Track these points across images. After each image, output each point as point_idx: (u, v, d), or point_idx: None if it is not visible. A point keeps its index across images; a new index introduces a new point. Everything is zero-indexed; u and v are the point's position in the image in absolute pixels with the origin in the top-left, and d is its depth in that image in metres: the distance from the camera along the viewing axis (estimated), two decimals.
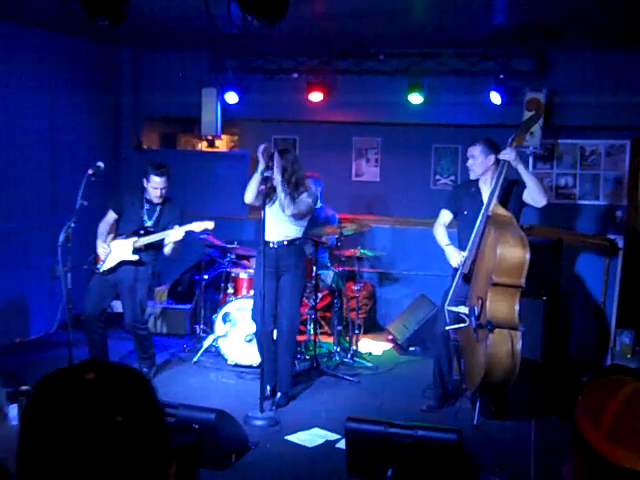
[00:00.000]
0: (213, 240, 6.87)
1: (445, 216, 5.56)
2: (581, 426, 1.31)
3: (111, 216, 5.90)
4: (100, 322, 5.86)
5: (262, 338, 5.57)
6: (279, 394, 5.56)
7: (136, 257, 5.72)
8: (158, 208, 5.84)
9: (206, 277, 7.06)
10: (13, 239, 6.82)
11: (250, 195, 5.46)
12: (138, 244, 5.71)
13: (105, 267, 5.76)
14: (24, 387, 5.05)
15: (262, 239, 5.37)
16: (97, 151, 7.59)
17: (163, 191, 5.76)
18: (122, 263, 5.77)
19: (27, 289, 7.07)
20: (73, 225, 5.09)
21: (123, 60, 8.32)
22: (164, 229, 5.75)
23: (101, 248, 5.77)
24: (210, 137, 8.25)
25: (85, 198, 5.21)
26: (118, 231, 5.88)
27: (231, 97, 7.88)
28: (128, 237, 5.75)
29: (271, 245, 5.50)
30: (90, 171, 5.37)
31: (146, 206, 5.84)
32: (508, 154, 5.11)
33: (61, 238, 5.06)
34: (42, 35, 6.99)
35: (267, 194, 5.39)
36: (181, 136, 9.81)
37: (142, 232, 5.73)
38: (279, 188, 5.37)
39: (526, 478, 4.28)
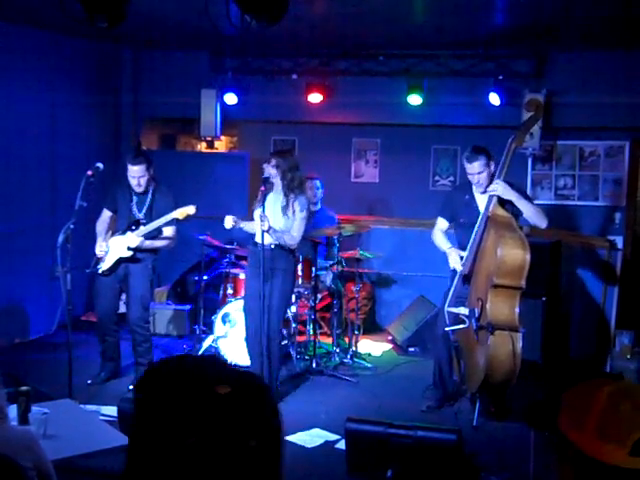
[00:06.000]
0: (212, 240, 6.87)
1: (442, 223, 5.53)
2: (567, 432, 1.31)
3: (106, 214, 5.83)
4: (114, 324, 5.84)
5: (249, 340, 5.57)
6: None
7: (130, 253, 5.64)
8: (149, 198, 5.69)
9: (205, 278, 7.05)
10: (13, 239, 6.81)
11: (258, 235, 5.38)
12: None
13: (105, 267, 5.72)
14: (24, 387, 5.04)
15: (252, 239, 5.38)
16: (97, 152, 7.58)
17: (142, 180, 5.58)
18: (120, 260, 5.72)
19: (27, 290, 7.07)
20: (72, 226, 5.08)
21: (123, 60, 8.31)
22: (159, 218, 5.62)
23: (98, 247, 5.72)
24: (209, 138, 8.25)
25: (84, 199, 5.21)
26: (116, 228, 5.82)
27: (230, 98, 7.88)
28: (123, 233, 5.69)
29: (259, 247, 5.36)
30: (89, 172, 5.36)
31: (135, 198, 5.70)
32: (496, 188, 5.04)
33: (61, 239, 5.05)
34: (42, 35, 6.99)
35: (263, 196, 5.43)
36: (180, 137, 9.80)
37: (134, 227, 5.64)
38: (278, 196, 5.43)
39: (526, 478, 4.28)
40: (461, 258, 5.24)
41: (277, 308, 5.49)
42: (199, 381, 0.97)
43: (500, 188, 5.04)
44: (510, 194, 5.07)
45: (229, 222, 5.44)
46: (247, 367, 5.57)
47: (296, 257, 5.77)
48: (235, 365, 1.06)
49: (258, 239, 5.36)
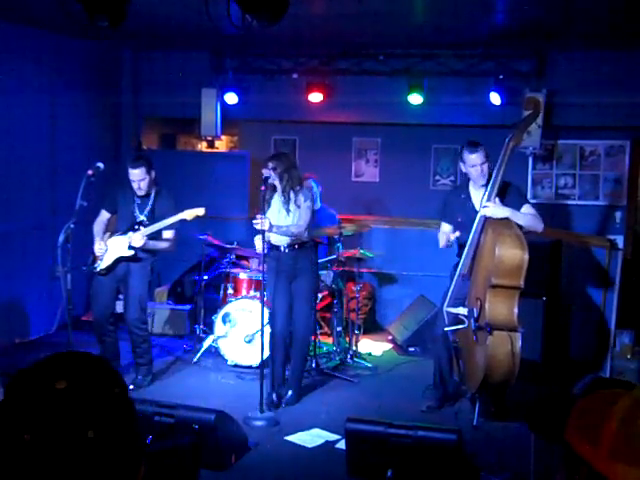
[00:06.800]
0: (213, 240, 6.87)
1: (445, 227, 5.50)
2: (578, 447, 1.27)
3: (104, 215, 5.84)
4: (110, 324, 5.83)
5: (276, 341, 5.60)
6: (290, 392, 5.61)
7: (131, 252, 5.65)
8: (150, 201, 5.73)
9: (206, 277, 7.05)
10: (13, 239, 6.82)
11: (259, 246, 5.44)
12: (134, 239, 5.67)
13: (103, 266, 5.72)
14: None
15: (268, 244, 5.38)
16: (97, 151, 7.59)
17: (142, 183, 5.59)
18: (119, 260, 5.72)
19: (27, 289, 7.07)
20: (73, 226, 5.08)
21: (123, 60, 8.32)
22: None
23: (97, 246, 5.72)
24: (210, 138, 8.25)
25: (85, 199, 5.21)
26: (116, 228, 5.83)
27: (231, 97, 7.88)
28: (124, 233, 5.70)
29: (282, 249, 5.52)
30: (90, 172, 5.36)
31: (137, 201, 5.72)
32: (490, 210, 5.01)
33: (61, 238, 5.05)
34: (42, 35, 6.99)
35: (267, 199, 5.44)
36: (181, 136, 9.82)
37: (137, 227, 5.66)
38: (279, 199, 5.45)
39: (526, 478, 4.28)
40: (458, 249, 5.26)
41: (305, 308, 5.59)
42: (41, 378, 1.02)
43: (490, 210, 5.02)
44: (503, 212, 5.03)
45: (260, 244, 5.46)
46: (257, 367, 5.55)
47: (317, 255, 5.83)
48: (90, 356, 1.11)
49: (275, 242, 5.47)
